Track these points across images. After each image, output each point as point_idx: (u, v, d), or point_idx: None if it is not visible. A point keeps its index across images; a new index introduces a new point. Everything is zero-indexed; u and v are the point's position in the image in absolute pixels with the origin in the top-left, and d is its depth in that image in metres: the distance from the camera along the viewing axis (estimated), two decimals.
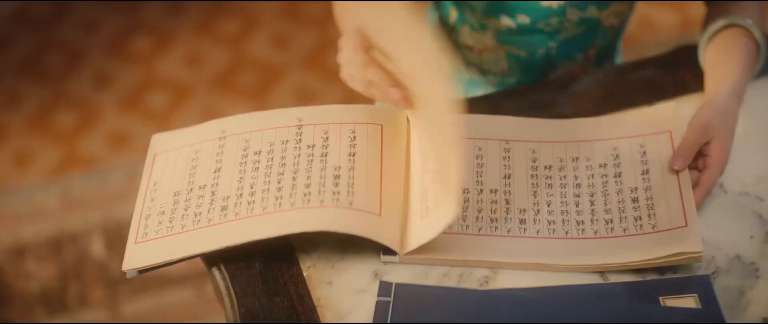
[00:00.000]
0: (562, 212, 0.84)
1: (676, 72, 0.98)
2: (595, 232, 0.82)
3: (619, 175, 0.86)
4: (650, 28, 2.23)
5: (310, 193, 0.80)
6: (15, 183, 1.99)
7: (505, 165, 0.87)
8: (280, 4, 2.34)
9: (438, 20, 1.12)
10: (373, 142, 0.85)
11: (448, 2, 1.07)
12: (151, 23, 2.29)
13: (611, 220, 0.83)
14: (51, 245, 1.85)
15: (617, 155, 0.88)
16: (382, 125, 0.87)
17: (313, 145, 0.85)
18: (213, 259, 0.81)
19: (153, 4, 2.35)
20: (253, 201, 0.81)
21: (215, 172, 0.85)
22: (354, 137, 0.86)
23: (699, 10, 1.04)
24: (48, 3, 2.36)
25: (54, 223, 1.89)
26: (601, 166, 0.87)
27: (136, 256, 0.81)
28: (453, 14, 1.07)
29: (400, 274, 0.80)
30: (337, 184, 0.81)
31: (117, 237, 1.83)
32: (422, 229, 0.79)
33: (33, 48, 2.27)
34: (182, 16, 2.32)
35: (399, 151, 0.86)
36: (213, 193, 0.83)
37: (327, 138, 0.86)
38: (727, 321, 0.76)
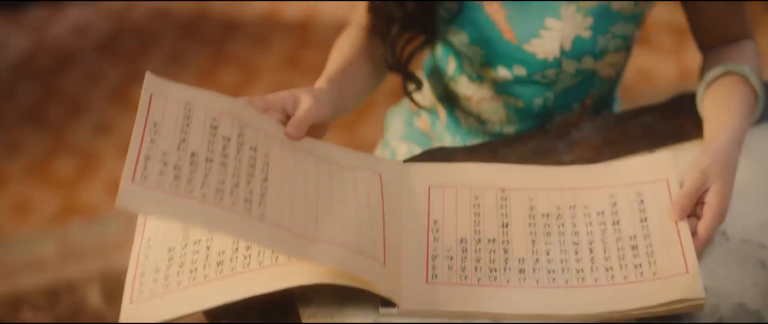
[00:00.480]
0: (561, 261, 0.83)
1: (675, 120, 0.98)
2: (596, 280, 0.81)
3: (618, 223, 0.86)
4: (648, 79, 2.25)
5: None
6: (13, 232, 1.98)
7: (502, 213, 0.87)
8: (280, 54, 2.36)
9: (435, 70, 1.13)
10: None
11: (447, 53, 1.08)
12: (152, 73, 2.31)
13: (611, 267, 0.82)
14: (48, 295, 1.83)
15: (615, 203, 0.87)
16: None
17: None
18: (211, 308, 0.80)
19: (155, 55, 2.38)
20: (250, 255, 0.79)
21: None
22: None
23: (696, 60, 1.05)
24: (51, 54, 2.39)
25: (51, 273, 1.87)
26: (598, 213, 0.87)
27: (131, 316, 0.78)
28: (452, 65, 1.08)
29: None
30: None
31: (114, 287, 1.82)
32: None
33: (35, 98, 2.29)
34: (183, 66, 2.34)
35: (397, 201, 0.86)
36: (208, 248, 0.81)
37: None
38: None
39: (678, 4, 1.03)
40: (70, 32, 2.46)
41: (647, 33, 2.32)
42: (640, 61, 2.26)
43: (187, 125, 0.79)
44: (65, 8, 2.52)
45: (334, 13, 2.47)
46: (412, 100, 1.03)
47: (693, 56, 2.23)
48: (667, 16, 2.32)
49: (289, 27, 2.44)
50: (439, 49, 1.10)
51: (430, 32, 0.98)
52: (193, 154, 0.77)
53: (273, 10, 2.51)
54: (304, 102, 0.84)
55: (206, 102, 0.81)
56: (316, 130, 0.86)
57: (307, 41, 2.39)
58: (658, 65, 2.27)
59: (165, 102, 0.79)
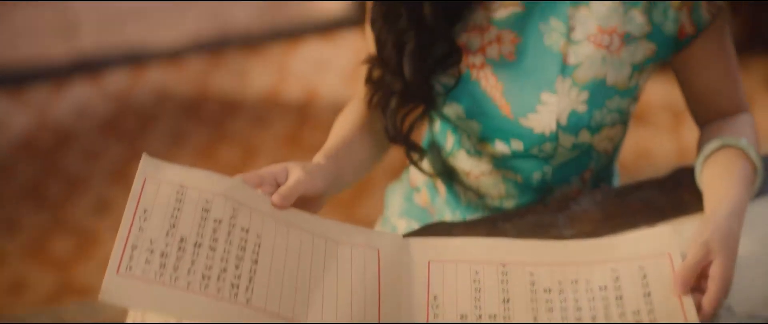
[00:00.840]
0: None
1: (675, 193, 0.98)
2: None
3: (621, 298, 0.84)
4: (646, 158, 2.26)
5: None
6: (8, 311, 1.95)
7: (503, 289, 0.85)
8: (280, 134, 2.38)
9: (434, 145, 1.13)
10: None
11: (445, 128, 1.09)
12: (152, 152, 2.32)
13: None
14: None
15: (617, 277, 0.86)
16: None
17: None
18: None
19: (155, 134, 2.39)
20: None
21: None
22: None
23: (693, 139, 1.06)
24: (52, 133, 2.41)
25: None
26: (601, 288, 0.86)
27: None
28: (450, 140, 1.09)
29: None
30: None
31: None
32: None
33: (35, 176, 2.29)
34: (183, 145, 2.35)
35: (396, 276, 0.85)
36: None
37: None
38: None
39: (675, 84, 1.04)
40: (71, 111, 2.48)
41: (645, 112, 2.34)
42: (638, 139, 2.28)
43: (179, 209, 0.80)
44: (67, 88, 2.55)
45: (333, 94, 2.50)
46: (417, 167, 1.04)
47: (690, 135, 2.24)
48: (664, 95, 2.35)
49: (289, 107, 2.47)
50: (438, 124, 1.11)
51: (429, 103, 0.99)
52: (181, 239, 0.78)
53: (273, 91, 2.54)
54: (294, 174, 0.85)
55: (200, 183, 0.82)
56: (310, 205, 0.87)
57: (306, 121, 2.42)
58: (656, 144, 2.29)
59: (158, 186, 0.81)
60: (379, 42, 0.96)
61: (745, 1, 2.46)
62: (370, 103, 1.00)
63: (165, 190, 0.81)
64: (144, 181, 0.81)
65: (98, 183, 2.25)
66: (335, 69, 2.60)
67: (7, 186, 2.26)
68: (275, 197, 0.83)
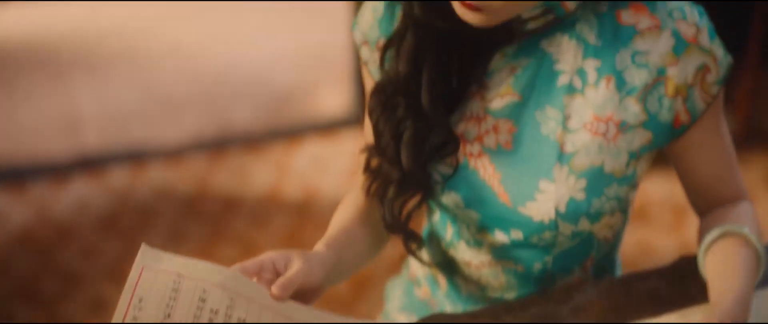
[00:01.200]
0: None
1: (680, 283, 0.97)
2: None
3: None
4: (648, 254, 2.24)
5: None
6: None
7: None
8: (280, 232, 2.37)
9: (433, 237, 1.12)
10: None
11: (444, 219, 1.08)
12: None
13: None
14: None
15: None
16: None
17: None
18: None
19: (153, 231, 2.39)
20: None
21: None
22: None
23: (695, 234, 1.05)
24: (51, 229, 2.40)
25: None
26: None
27: None
28: (449, 231, 1.08)
29: None
30: None
31: None
32: None
33: (32, 272, 2.27)
34: (183, 243, 2.34)
35: None
36: None
37: None
38: None
39: (676, 180, 1.04)
40: (71, 207, 2.48)
41: (646, 209, 2.33)
42: (639, 236, 2.26)
43: (174, 299, 0.80)
44: (68, 184, 2.56)
45: (333, 193, 2.50)
46: (416, 257, 1.03)
47: (692, 231, 2.23)
48: (665, 192, 2.35)
49: (289, 206, 2.47)
50: (437, 215, 1.10)
51: (426, 192, 0.99)
52: None
53: (273, 189, 2.55)
54: (295, 264, 0.84)
55: (198, 274, 0.82)
56: (307, 296, 0.86)
57: (307, 220, 2.41)
58: (658, 240, 2.27)
59: (155, 275, 0.81)
60: (377, 131, 0.97)
61: (743, 98, 2.50)
62: (368, 192, 1.00)
63: (162, 280, 0.80)
64: (141, 271, 0.81)
65: (95, 281, 2.23)
66: (335, 168, 2.61)
67: (2, 282, 2.24)
68: (274, 289, 0.82)
